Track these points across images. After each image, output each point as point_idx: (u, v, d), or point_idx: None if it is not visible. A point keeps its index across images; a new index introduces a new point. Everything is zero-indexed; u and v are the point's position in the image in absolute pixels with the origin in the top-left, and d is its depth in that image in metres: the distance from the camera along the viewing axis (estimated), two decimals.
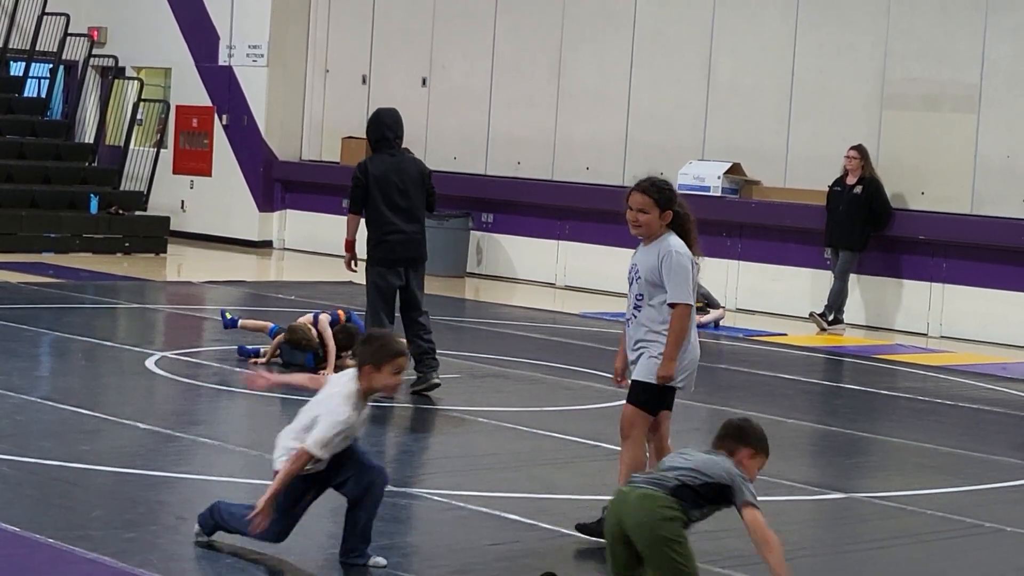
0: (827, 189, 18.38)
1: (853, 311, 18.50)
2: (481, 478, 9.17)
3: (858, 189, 18.07)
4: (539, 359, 14.16)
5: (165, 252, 22.92)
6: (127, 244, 22.74)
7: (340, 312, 12.96)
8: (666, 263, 7.59)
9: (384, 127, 12.13)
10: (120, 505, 7.92)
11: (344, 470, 6.95)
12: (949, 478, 10.18)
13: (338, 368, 12.32)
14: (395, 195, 11.97)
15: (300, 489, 6.93)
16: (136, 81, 25.37)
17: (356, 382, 6.91)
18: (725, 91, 20.08)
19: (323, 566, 7.03)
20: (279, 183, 24.76)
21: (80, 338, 13.87)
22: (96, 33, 26.07)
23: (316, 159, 24.72)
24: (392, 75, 23.62)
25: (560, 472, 9.54)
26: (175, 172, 25.46)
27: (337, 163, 23.84)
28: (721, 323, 17.60)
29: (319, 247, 23.76)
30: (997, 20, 18.00)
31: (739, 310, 19.39)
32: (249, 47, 24.56)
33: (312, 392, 7.12)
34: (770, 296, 19.46)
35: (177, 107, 25.51)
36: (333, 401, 6.88)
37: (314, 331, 12.62)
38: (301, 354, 12.62)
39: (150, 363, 12.54)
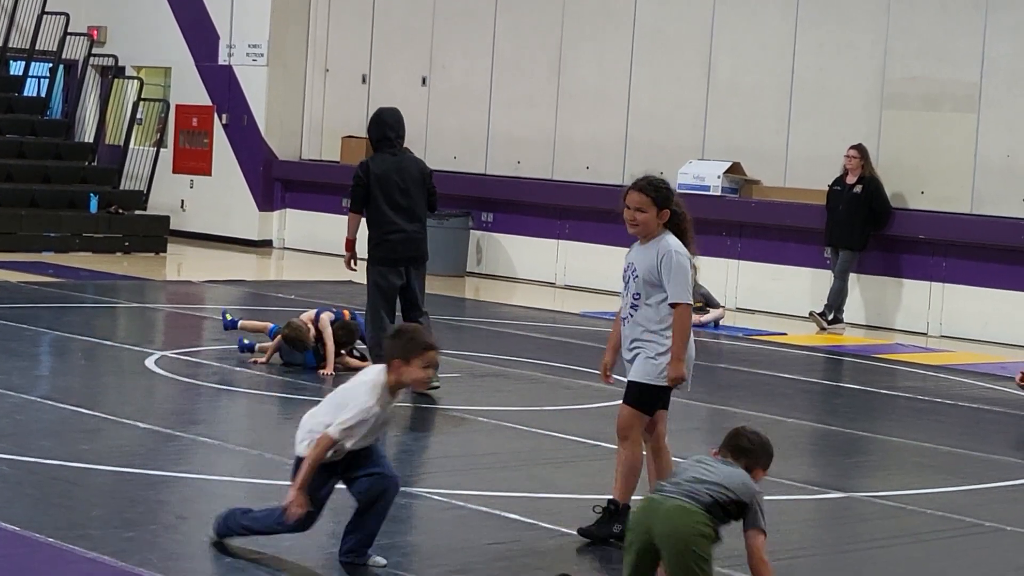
0: (827, 188, 18.37)
1: (853, 310, 18.49)
2: (481, 477, 9.16)
3: (858, 188, 18.06)
4: (539, 358, 14.15)
5: (165, 251, 22.91)
6: (127, 243, 22.73)
7: (345, 312, 12.90)
8: (666, 263, 7.59)
9: (385, 126, 12.14)
10: (120, 504, 7.91)
11: (361, 467, 6.93)
12: (949, 477, 10.18)
13: (338, 367, 12.32)
14: (396, 194, 11.97)
15: (323, 476, 6.90)
16: (136, 80, 25.37)
17: (384, 375, 6.88)
18: (725, 90, 20.07)
19: (323, 566, 7.02)
20: (279, 182, 24.75)
21: (80, 337, 13.86)
22: (96, 32, 26.05)
23: (316, 158, 24.70)
24: (392, 74, 23.61)
25: (560, 471, 9.54)
26: (175, 171, 25.45)
27: (337, 162, 23.83)
28: (721, 322, 17.61)
29: (319, 246, 23.75)
30: (997, 19, 17.99)
31: (739, 309, 19.38)
32: (249, 46, 24.55)
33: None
34: (770, 295, 19.45)
35: (177, 106, 25.50)
36: (359, 390, 6.85)
37: (313, 329, 12.57)
38: (300, 354, 12.58)
39: (150, 362, 12.54)
